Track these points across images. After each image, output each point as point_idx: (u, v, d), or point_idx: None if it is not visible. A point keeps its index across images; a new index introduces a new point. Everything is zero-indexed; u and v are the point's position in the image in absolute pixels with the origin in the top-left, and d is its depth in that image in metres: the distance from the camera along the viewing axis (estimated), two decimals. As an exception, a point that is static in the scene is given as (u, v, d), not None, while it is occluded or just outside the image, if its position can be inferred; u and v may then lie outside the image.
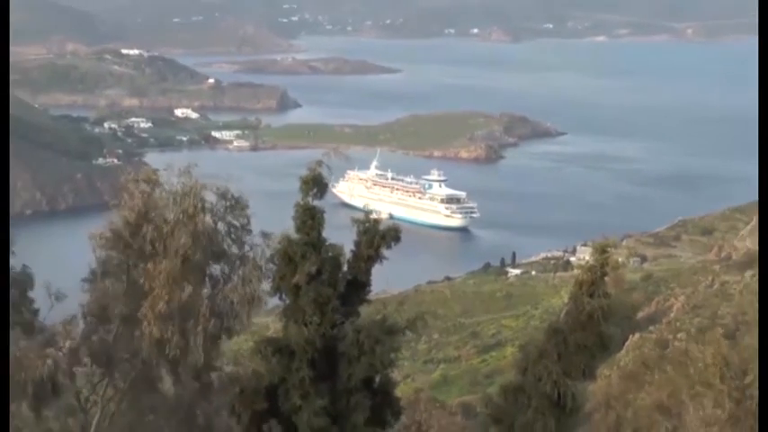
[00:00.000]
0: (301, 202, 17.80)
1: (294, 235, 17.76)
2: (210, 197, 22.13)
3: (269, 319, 24.05)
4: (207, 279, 22.60)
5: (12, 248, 23.69)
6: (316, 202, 17.83)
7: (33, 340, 23.70)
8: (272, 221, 21.60)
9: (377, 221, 18.30)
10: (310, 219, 17.66)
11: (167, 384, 24.44)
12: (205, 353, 22.90)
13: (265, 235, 21.25)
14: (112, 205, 23.89)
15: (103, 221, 23.68)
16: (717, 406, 19.30)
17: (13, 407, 20.52)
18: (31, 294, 24.63)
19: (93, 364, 23.95)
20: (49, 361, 23.01)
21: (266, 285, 21.10)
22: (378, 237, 18.13)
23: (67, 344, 24.08)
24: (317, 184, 17.85)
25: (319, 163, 18.00)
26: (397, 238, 18.22)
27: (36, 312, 24.37)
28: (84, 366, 24.01)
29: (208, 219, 22.08)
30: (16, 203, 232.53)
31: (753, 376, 19.15)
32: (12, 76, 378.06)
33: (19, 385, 21.63)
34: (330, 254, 17.72)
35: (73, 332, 24.47)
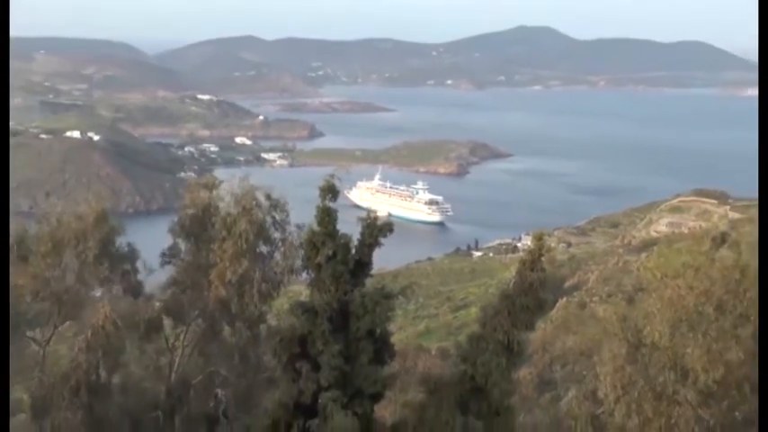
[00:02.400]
0: (320, 205, 17.71)
1: (316, 227, 17.70)
2: (260, 197, 22.38)
3: (301, 287, 23.99)
4: (257, 256, 22.69)
5: (125, 233, 23.48)
6: (330, 204, 17.75)
7: (138, 299, 23.65)
8: (305, 216, 21.64)
9: (376, 218, 18.21)
10: (327, 216, 17.57)
11: (228, 334, 24.40)
12: (258, 309, 22.98)
13: (299, 227, 21.27)
14: (182, 206, 23.74)
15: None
16: (619, 349, 19.36)
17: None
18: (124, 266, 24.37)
19: (176, 318, 23.90)
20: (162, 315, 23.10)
21: (298, 263, 21.18)
22: (376, 229, 18.02)
23: (158, 304, 24.08)
24: (331, 191, 17.75)
25: (332, 176, 17.89)
26: (390, 230, 18.10)
27: (138, 279, 24.28)
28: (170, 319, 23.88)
29: (259, 212, 22.21)
30: (121, 205, 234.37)
31: (649, 328, 19.06)
32: (117, 115, 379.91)
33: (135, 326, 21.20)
34: (342, 241, 17.64)
35: (160, 295, 24.45)
